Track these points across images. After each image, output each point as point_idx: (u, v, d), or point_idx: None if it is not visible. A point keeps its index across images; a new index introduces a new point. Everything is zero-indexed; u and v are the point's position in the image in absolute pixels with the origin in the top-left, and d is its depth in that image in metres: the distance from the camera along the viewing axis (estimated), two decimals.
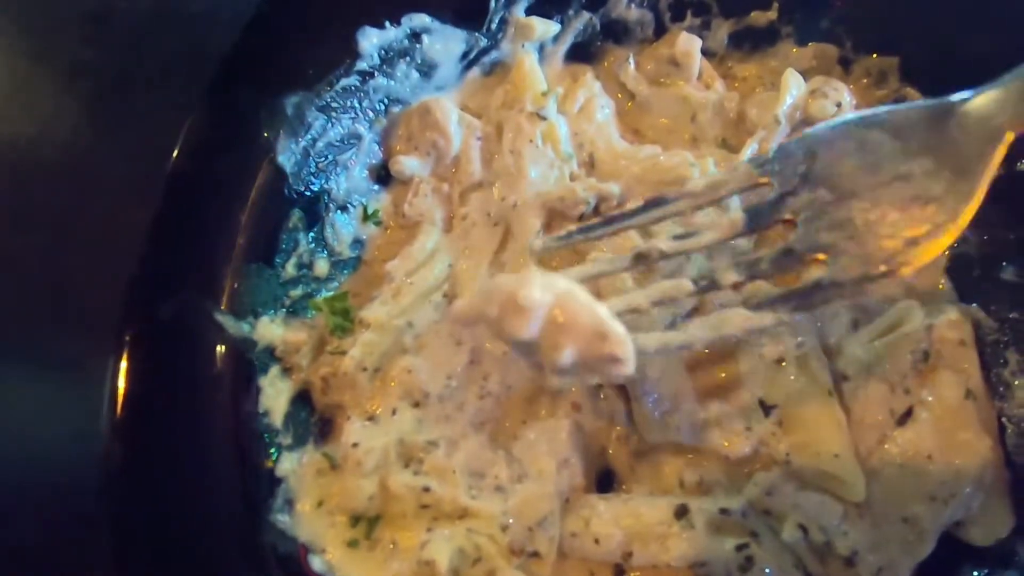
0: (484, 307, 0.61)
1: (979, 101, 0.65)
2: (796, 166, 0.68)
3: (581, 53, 1.00)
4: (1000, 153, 0.64)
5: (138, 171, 0.89)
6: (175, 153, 0.83)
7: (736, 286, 0.70)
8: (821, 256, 0.67)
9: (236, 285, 0.83)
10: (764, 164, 0.70)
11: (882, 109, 0.68)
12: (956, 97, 0.66)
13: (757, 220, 0.70)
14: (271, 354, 0.84)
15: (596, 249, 0.82)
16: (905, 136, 0.65)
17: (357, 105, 0.92)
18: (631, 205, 0.75)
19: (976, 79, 0.79)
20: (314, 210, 0.90)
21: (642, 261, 0.70)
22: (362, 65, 0.90)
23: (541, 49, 0.98)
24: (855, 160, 0.66)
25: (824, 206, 0.67)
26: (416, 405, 0.82)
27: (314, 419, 0.85)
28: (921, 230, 0.64)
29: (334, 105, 0.90)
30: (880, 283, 0.65)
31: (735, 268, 0.69)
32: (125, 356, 0.77)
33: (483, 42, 0.96)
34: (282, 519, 0.78)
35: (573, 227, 0.77)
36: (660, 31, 0.99)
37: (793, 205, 0.68)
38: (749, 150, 0.88)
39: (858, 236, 0.66)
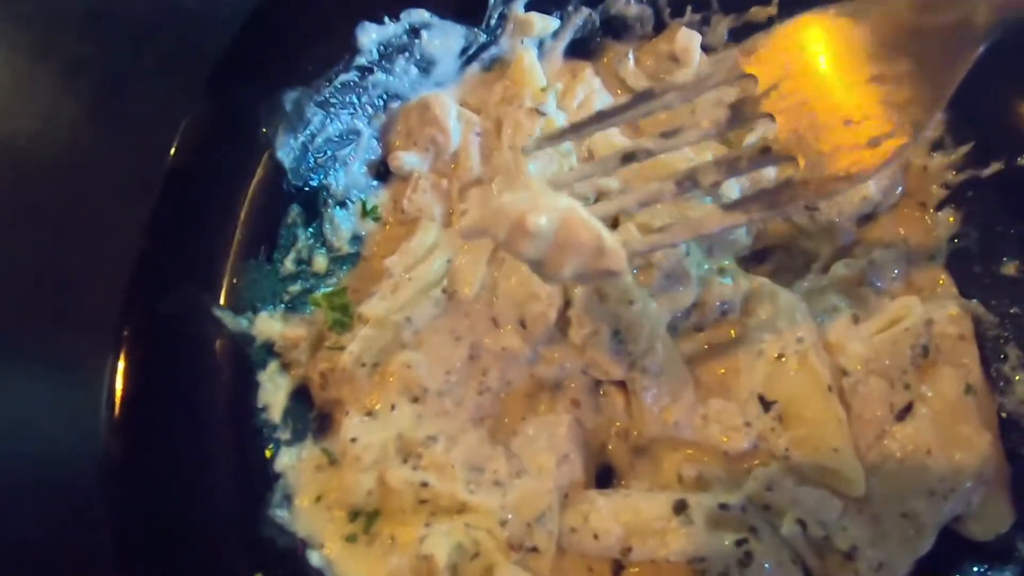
0: (492, 226, 0.64)
1: (961, 6, 0.64)
2: (782, 58, 0.68)
3: (580, 49, 0.99)
4: (971, 60, 0.64)
5: (137, 167, 0.90)
6: (174, 149, 0.84)
7: (715, 184, 0.71)
8: (794, 154, 0.67)
9: (235, 281, 0.83)
10: (752, 53, 0.70)
11: (872, 3, 0.67)
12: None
13: (740, 115, 0.70)
14: (270, 349, 0.84)
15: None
16: (887, 35, 0.65)
17: (356, 101, 0.92)
18: (620, 101, 0.76)
19: (976, 74, 0.79)
20: (313, 206, 0.90)
21: (630, 160, 0.72)
22: (361, 61, 0.90)
23: (540, 45, 0.98)
24: (838, 56, 0.66)
25: (803, 102, 0.67)
26: (415, 400, 0.82)
27: (313, 414, 0.85)
28: (883, 131, 0.65)
29: (333, 101, 0.90)
30: (843, 184, 0.67)
31: (715, 167, 0.70)
32: (124, 352, 0.77)
33: (482, 38, 0.96)
34: (281, 514, 0.78)
35: (566, 126, 0.77)
36: (659, 27, 0.99)
37: (775, 99, 0.68)
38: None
39: (828, 135, 0.66)
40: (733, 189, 0.83)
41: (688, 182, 0.70)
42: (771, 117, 0.69)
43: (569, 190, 0.71)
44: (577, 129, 0.75)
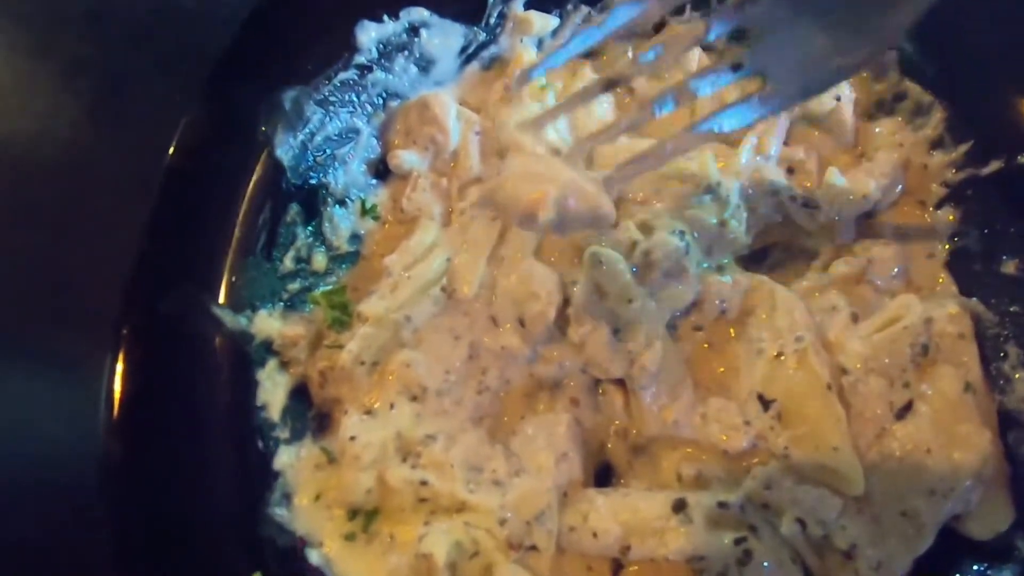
0: (505, 210, 0.72)
1: None
2: (773, 11, 0.68)
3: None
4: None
5: (136, 166, 0.90)
6: (173, 148, 0.84)
7: (690, 101, 0.72)
8: (764, 72, 0.68)
9: (234, 279, 0.83)
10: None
11: None
12: None
13: (717, 29, 0.70)
14: (269, 348, 0.84)
15: None
16: None
17: (355, 99, 0.92)
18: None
19: (975, 73, 0.79)
20: (312, 204, 0.90)
21: (611, 86, 0.74)
22: (360, 59, 0.90)
23: (540, 44, 0.98)
24: None
25: (778, 22, 0.67)
26: (414, 399, 0.82)
27: (312, 413, 0.85)
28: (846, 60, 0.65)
29: (332, 99, 0.90)
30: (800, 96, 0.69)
31: (687, 84, 0.70)
32: (123, 351, 0.77)
33: (481, 36, 0.96)
34: (280, 513, 0.78)
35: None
36: (659, 25, 0.99)
37: (752, 14, 0.68)
38: (748, 145, 0.88)
39: (797, 56, 0.67)
40: None
41: (661, 101, 0.71)
42: (742, 30, 0.69)
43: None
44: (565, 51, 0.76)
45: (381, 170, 0.96)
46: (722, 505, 0.74)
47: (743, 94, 0.69)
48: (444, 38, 0.94)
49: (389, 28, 0.91)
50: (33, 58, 1.11)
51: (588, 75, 0.97)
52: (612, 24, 0.74)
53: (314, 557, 0.76)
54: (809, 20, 0.66)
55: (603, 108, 0.95)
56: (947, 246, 0.85)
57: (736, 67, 0.69)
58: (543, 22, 0.96)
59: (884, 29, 0.65)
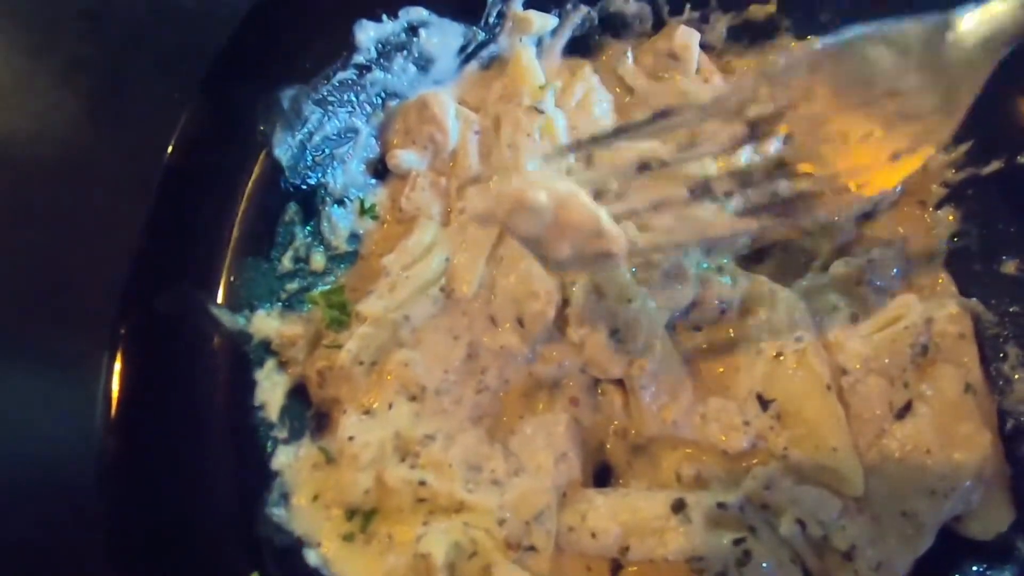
0: (496, 207, 0.67)
1: (976, 16, 0.64)
2: (799, 78, 0.68)
3: (579, 47, 0.99)
4: (989, 70, 0.64)
5: (135, 165, 0.89)
6: (171, 147, 0.83)
7: (728, 194, 0.71)
8: (809, 168, 0.67)
9: (232, 279, 0.83)
10: (770, 75, 0.70)
11: (886, 23, 0.68)
12: (956, 12, 0.65)
13: (756, 131, 0.70)
14: (267, 348, 0.84)
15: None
16: (903, 51, 0.65)
17: (354, 99, 0.92)
18: (639, 117, 0.76)
19: None
20: (311, 204, 0.90)
21: (645, 169, 0.72)
22: (359, 59, 0.90)
23: (539, 43, 0.98)
24: (855, 73, 0.66)
25: (819, 118, 0.67)
26: (413, 399, 0.82)
27: (310, 413, 0.85)
28: (902, 145, 0.65)
29: (331, 99, 0.90)
30: (862, 200, 0.68)
31: (729, 178, 0.70)
32: (121, 350, 0.77)
33: (481, 36, 0.96)
34: (278, 513, 0.78)
35: (587, 137, 0.78)
36: (658, 25, 0.99)
37: (791, 117, 0.68)
38: (748, 145, 0.88)
39: (846, 150, 0.66)
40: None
41: (700, 190, 0.71)
42: (788, 134, 0.68)
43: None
44: (596, 141, 0.75)
45: (380, 169, 0.95)
46: (721, 505, 0.74)
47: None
48: (443, 37, 0.93)
49: (388, 27, 0.90)
50: (32, 57, 1.11)
51: (587, 74, 0.97)
52: None
53: (312, 557, 0.76)
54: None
55: (602, 107, 0.95)
56: (947, 246, 0.85)
57: (780, 165, 0.68)
58: (542, 21, 0.95)
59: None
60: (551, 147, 0.82)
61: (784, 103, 0.68)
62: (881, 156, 0.65)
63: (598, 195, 0.82)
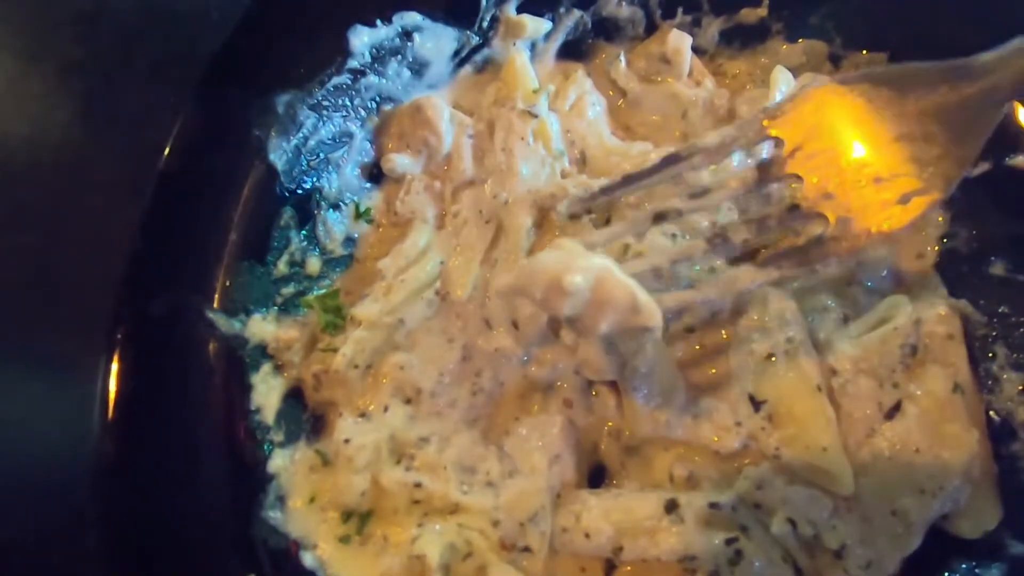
0: (528, 286, 0.66)
1: (985, 63, 0.66)
2: (807, 121, 0.69)
3: (572, 50, 1.00)
4: (997, 120, 0.66)
5: (130, 169, 0.90)
6: (166, 151, 0.84)
7: (746, 242, 0.73)
8: (824, 212, 0.69)
9: (228, 283, 0.83)
10: (776, 117, 0.71)
11: (894, 68, 0.69)
12: (966, 60, 0.68)
13: (767, 175, 0.71)
14: (263, 351, 0.84)
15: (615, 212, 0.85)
16: (912, 96, 0.67)
17: (349, 103, 0.92)
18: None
19: None
20: (306, 208, 0.90)
21: (661, 219, 0.74)
22: (353, 63, 0.90)
23: (532, 47, 0.98)
24: (863, 116, 0.68)
25: (830, 161, 0.68)
26: (408, 401, 0.83)
27: (306, 416, 0.85)
28: (912, 188, 0.67)
29: (325, 103, 0.90)
30: (876, 241, 0.68)
31: (745, 226, 0.72)
32: (117, 354, 0.77)
33: (474, 40, 0.96)
34: (274, 515, 0.78)
35: (596, 188, 0.79)
36: (651, 28, 0.99)
37: (801, 159, 0.69)
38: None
39: (857, 193, 0.68)
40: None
41: (718, 239, 0.72)
42: (798, 177, 0.70)
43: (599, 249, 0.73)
44: (608, 191, 0.77)
45: (375, 174, 0.96)
46: (713, 505, 0.74)
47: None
48: (437, 42, 0.94)
49: (382, 32, 0.91)
50: (26, 61, 1.11)
51: (581, 78, 0.97)
52: None
53: (308, 559, 0.77)
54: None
55: (596, 110, 0.96)
56: (937, 247, 0.86)
57: (793, 208, 0.69)
58: (535, 25, 0.96)
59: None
60: (564, 206, 0.82)
61: (792, 144, 0.69)
62: (889, 199, 0.67)
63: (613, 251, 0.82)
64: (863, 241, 0.68)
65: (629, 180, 0.75)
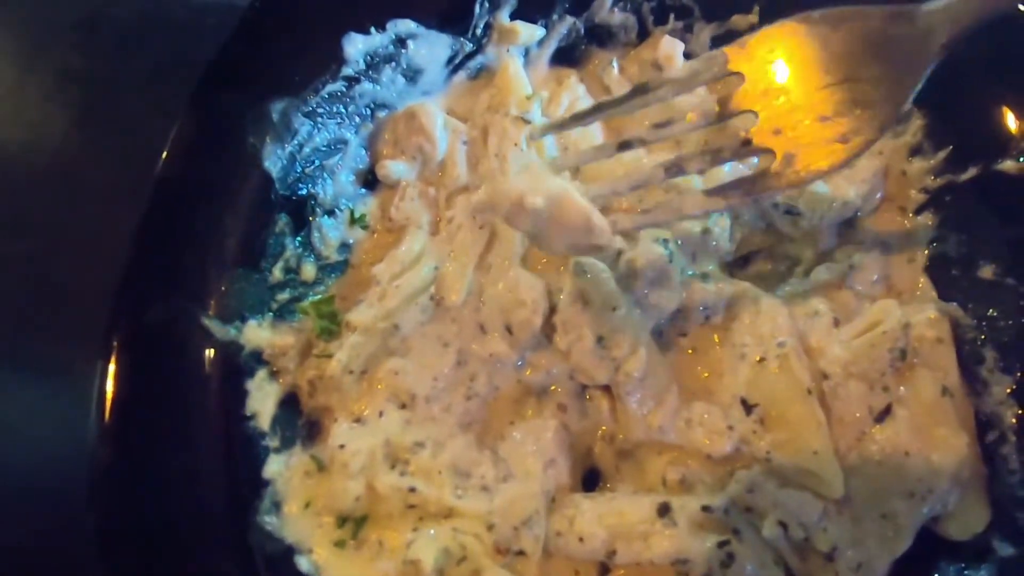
0: (497, 204, 0.74)
1: (928, 10, 0.69)
2: (767, 58, 0.73)
3: (565, 57, 1.00)
4: (929, 67, 0.69)
5: (126, 176, 0.90)
6: (162, 158, 0.84)
7: (700, 172, 0.78)
8: (772, 147, 0.72)
9: (223, 289, 0.84)
10: (739, 52, 0.75)
11: (847, 8, 0.72)
12: (911, 6, 0.70)
13: (726, 109, 0.75)
14: (258, 358, 0.84)
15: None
16: (861, 40, 0.70)
17: (343, 110, 0.92)
18: (617, 94, 0.83)
19: (953, 81, 0.80)
20: (301, 214, 0.90)
21: (625, 147, 0.77)
22: (348, 71, 0.91)
23: (526, 53, 0.99)
24: (816, 58, 0.71)
25: (783, 99, 0.72)
26: (403, 407, 0.83)
27: (301, 421, 0.85)
28: (850, 129, 0.70)
29: (320, 111, 0.90)
30: (814, 176, 0.72)
31: (700, 156, 0.75)
32: (113, 360, 0.77)
33: (468, 47, 0.97)
34: (270, 521, 0.79)
35: (568, 116, 0.83)
36: (643, 35, 1.00)
37: (757, 95, 0.73)
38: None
39: (804, 130, 0.71)
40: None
41: (675, 168, 0.75)
42: (755, 113, 0.73)
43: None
44: (580, 118, 0.81)
45: (370, 180, 0.96)
46: (706, 508, 0.75)
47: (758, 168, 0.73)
48: (431, 49, 0.94)
49: (376, 40, 0.91)
50: (24, 68, 1.12)
51: (573, 84, 0.98)
52: None
53: (304, 564, 0.77)
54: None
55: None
56: (926, 251, 0.87)
57: (746, 142, 0.73)
58: (529, 32, 0.97)
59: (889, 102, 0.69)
60: (538, 130, 0.87)
61: (751, 80, 0.73)
62: (831, 137, 0.70)
63: (576, 173, 0.87)
64: (803, 176, 0.71)
65: (600, 108, 0.78)
